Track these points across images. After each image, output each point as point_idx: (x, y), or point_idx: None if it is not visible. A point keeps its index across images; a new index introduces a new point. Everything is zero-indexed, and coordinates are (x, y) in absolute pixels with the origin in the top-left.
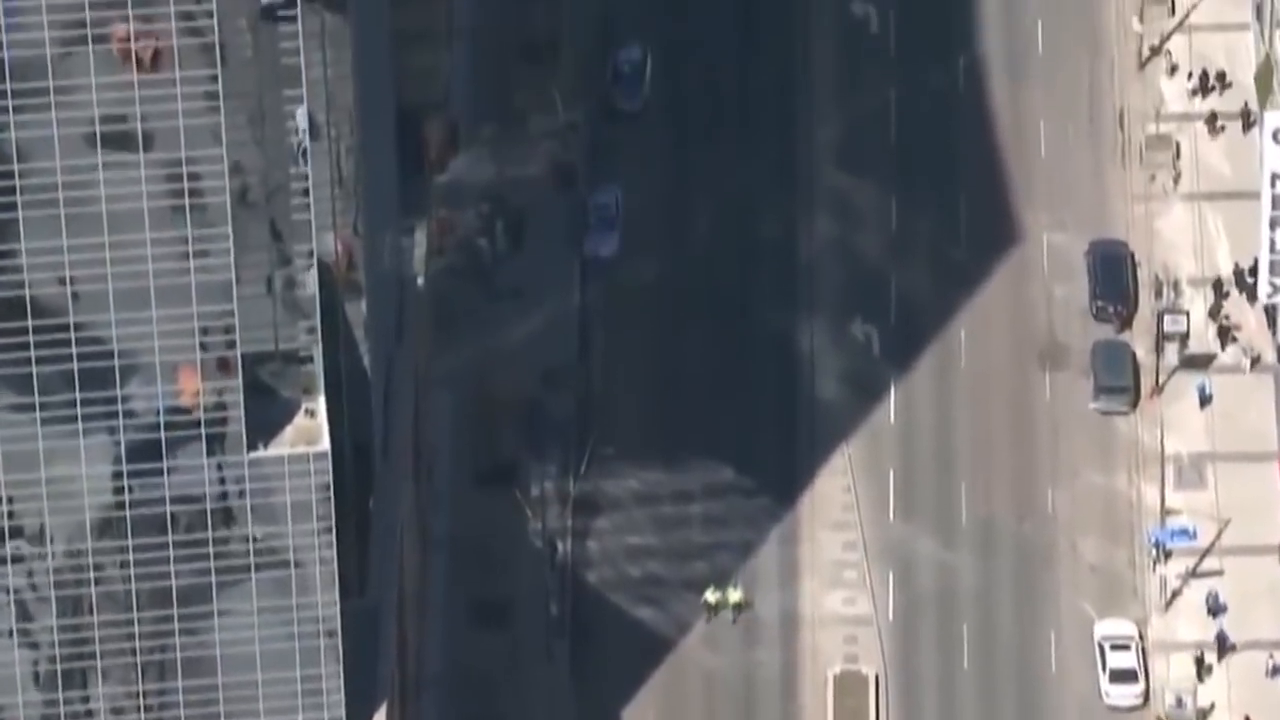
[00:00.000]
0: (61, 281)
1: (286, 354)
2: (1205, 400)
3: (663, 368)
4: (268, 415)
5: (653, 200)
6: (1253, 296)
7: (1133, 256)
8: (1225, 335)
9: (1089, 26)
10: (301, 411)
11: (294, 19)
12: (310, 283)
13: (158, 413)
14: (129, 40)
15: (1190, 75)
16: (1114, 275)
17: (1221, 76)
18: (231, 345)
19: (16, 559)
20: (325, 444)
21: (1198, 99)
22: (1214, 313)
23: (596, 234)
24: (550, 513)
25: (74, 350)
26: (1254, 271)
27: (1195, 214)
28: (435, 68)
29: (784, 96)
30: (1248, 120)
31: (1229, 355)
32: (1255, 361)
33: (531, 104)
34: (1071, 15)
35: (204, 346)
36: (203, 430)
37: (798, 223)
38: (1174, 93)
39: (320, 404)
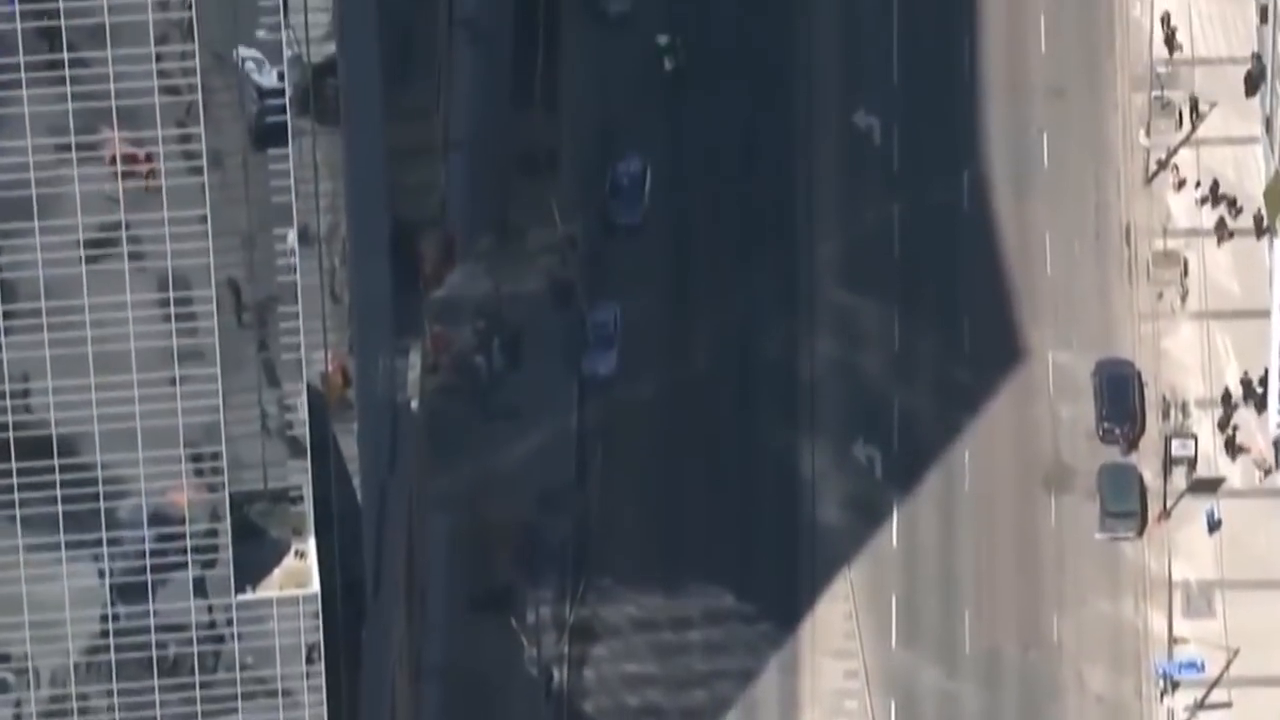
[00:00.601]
0: (46, 422)
1: (276, 493)
2: (1214, 526)
3: (661, 490)
4: (256, 556)
5: (652, 318)
6: (1261, 407)
7: (1140, 377)
8: (1233, 446)
9: (1095, 141)
10: (291, 553)
11: (286, 157)
12: (301, 423)
13: (144, 554)
14: (116, 157)
15: (1198, 184)
16: (1120, 396)
17: (1233, 201)
18: (220, 487)
19: (2, 692)
20: (315, 586)
21: (1206, 208)
22: (1223, 424)
23: (595, 352)
24: (546, 640)
25: (59, 492)
26: (1264, 382)
27: (1203, 333)
28: (431, 182)
29: (785, 211)
30: (1260, 228)
31: (1238, 474)
32: (1267, 473)
33: (529, 218)
34: (1077, 129)
35: (193, 487)
36: (189, 572)
37: (799, 341)
38: (1181, 208)
39: (310, 545)
